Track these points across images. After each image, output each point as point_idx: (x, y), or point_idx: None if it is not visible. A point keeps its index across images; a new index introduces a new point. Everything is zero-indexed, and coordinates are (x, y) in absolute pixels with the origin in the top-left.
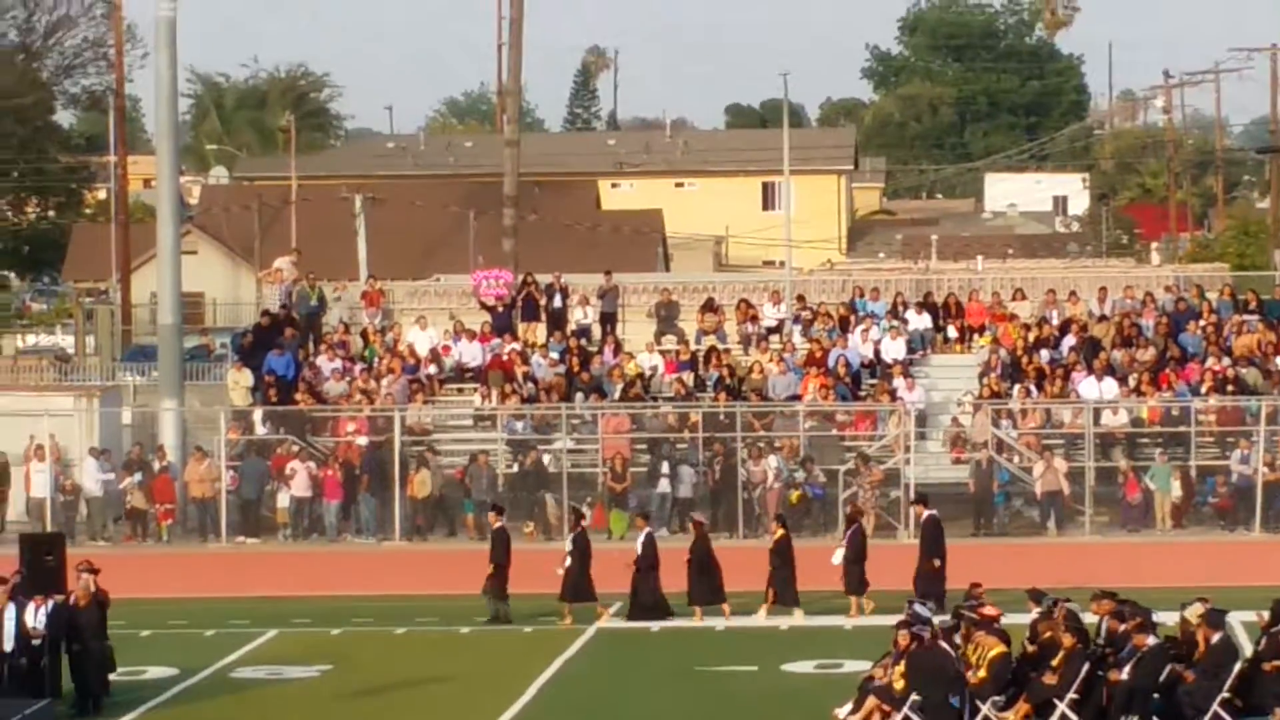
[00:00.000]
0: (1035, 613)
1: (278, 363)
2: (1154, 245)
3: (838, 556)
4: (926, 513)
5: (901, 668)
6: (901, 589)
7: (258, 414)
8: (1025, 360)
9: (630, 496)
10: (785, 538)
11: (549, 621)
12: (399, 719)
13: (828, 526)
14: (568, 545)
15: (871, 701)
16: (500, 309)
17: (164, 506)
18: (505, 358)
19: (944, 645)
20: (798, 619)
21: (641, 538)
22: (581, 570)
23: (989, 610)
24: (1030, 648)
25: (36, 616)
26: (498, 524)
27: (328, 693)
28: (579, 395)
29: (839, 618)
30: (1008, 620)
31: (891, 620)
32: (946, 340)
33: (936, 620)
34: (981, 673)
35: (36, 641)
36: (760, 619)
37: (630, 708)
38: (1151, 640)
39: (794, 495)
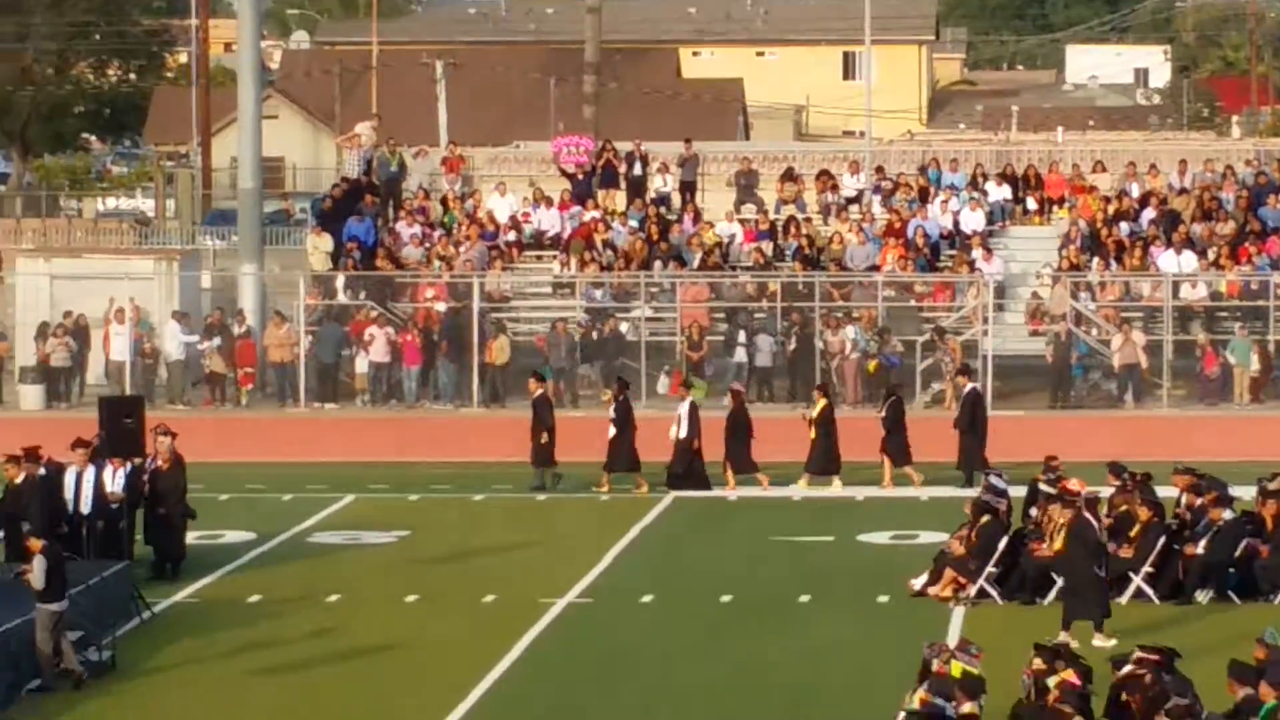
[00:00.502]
0: (1113, 486)
1: (358, 229)
2: (1235, 118)
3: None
4: (969, 385)
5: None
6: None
7: (340, 280)
8: (1104, 233)
9: (706, 365)
10: (828, 407)
11: (624, 489)
12: (476, 585)
13: (905, 397)
14: (610, 414)
15: (948, 573)
16: (580, 176)
17: (244, 370)
18: (585, 225)
19: (1088, 516)
20: (835, 488)
21: (685, 407)
22: (623, 439)
23: (1071, 484)
24: (1107, 521)
25: (115, 479)
26: (538, 391)
27: (405, 558)
28: (657, 263)
29: (909, 489)
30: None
31: (950, 492)
32: (1026, 212)
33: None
34: (1057, 544)
35: (115, 505)
36: (800, 489)
37: (708, 576)
38: (1228, 514)
39: (871, 365)
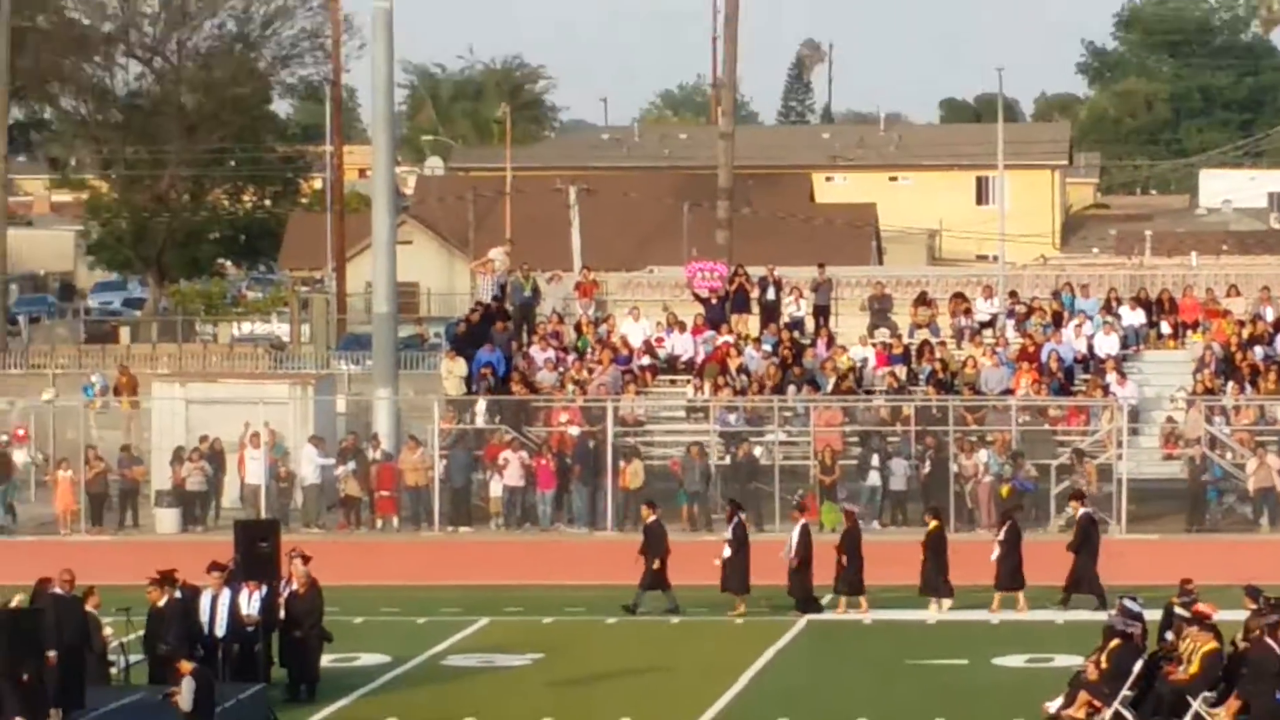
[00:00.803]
0: (1250, 610)
1: (489, 357)
2: None
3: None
4: (1082, 510)
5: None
6: (1109, 583)
7: (480, 404)
8: (1239, 356)
9: (839, 488)
10: (938, 529)
11: (761, 612)
12: (611, 708)
13: (1039, 521)
14: (727, 535)
15: (1083, 696)
16: (714, 301)
17: (382, 495)
18: (718, 349)
19: (1270, 642)
20: (944, 611)
21: (796, 530)
22: (739, 561)
23: (1203, 607)
24: (1243, 645)
25: (250, 602)
26: (650, 518)
27: (539, 681)
28: (791, 388)
29: (1045, 611)
30: (1221, 617)
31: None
32: (1160, 336)
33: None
34: (1193, 668)
35: (250, 628)
36: (931, 614)
37: (842, 699)
38: None
39: (1005, 489)
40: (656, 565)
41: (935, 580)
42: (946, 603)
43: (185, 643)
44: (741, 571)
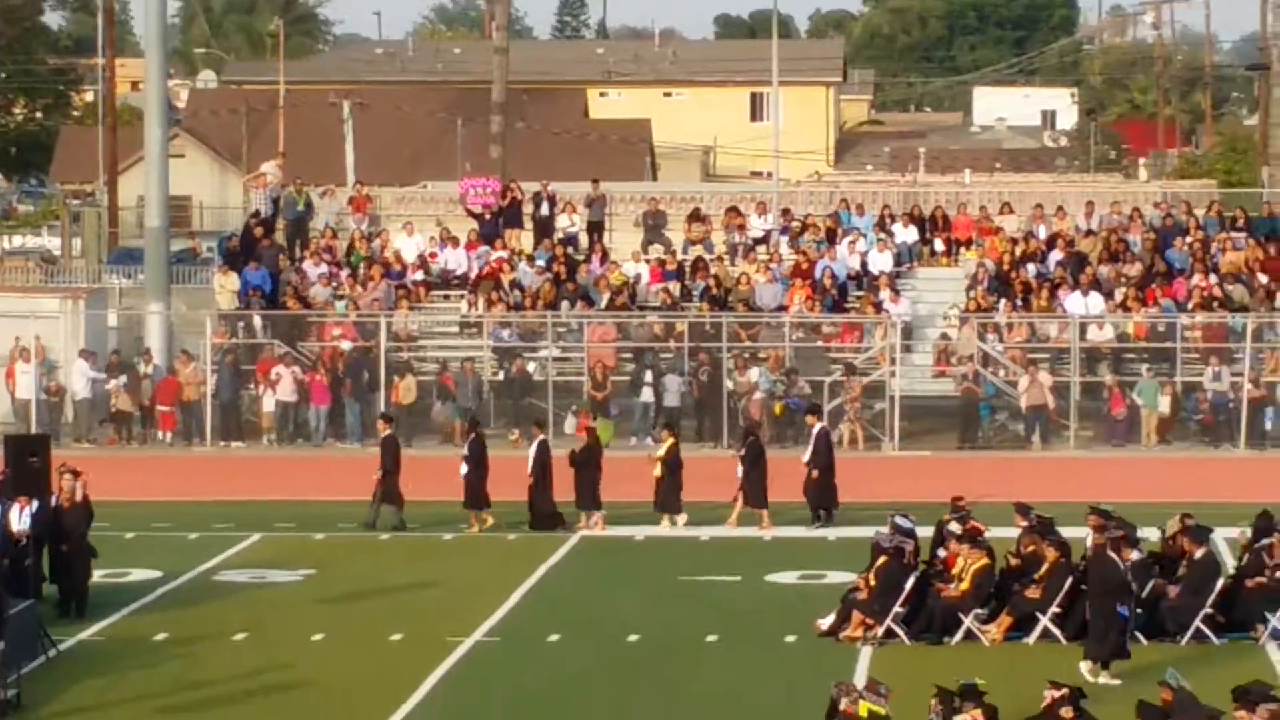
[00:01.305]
0: (1020, 526)
1: (255, 277)
2: (1142, 161)
3: (739, 471)
4: (818, 425)
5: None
6: (874, 501)
7: (256, 319)
8: (1012, 274)
9: (612, 404)
10: (674, 446)
11: (525, 530)
12: (383, 624)
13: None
14: (463, 452)
15: (856, 615)
16: (487, 217)
17: (165, 409)
18: (492, 265)
19: (1112, 556)
20: (679, 528)
21: (534, 446)
22: (478, 478)
23: (975, 524)
24: (1014, 561)
25: (21, 518)
26: (386, 431)
27: (311, 597)
28: (565, 304)
29: (803, 528)
30: (992, 534)
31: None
32: (933, 253)
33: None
34: (964, 585)
35: (20, 542)
36: (664, 527)
37: (615, 616)
38: (1135, 555)
39: (778, 407)
40: (380, 477)
41: (670, 498)
42: (681, 519)
43: None
44: (477, 488)
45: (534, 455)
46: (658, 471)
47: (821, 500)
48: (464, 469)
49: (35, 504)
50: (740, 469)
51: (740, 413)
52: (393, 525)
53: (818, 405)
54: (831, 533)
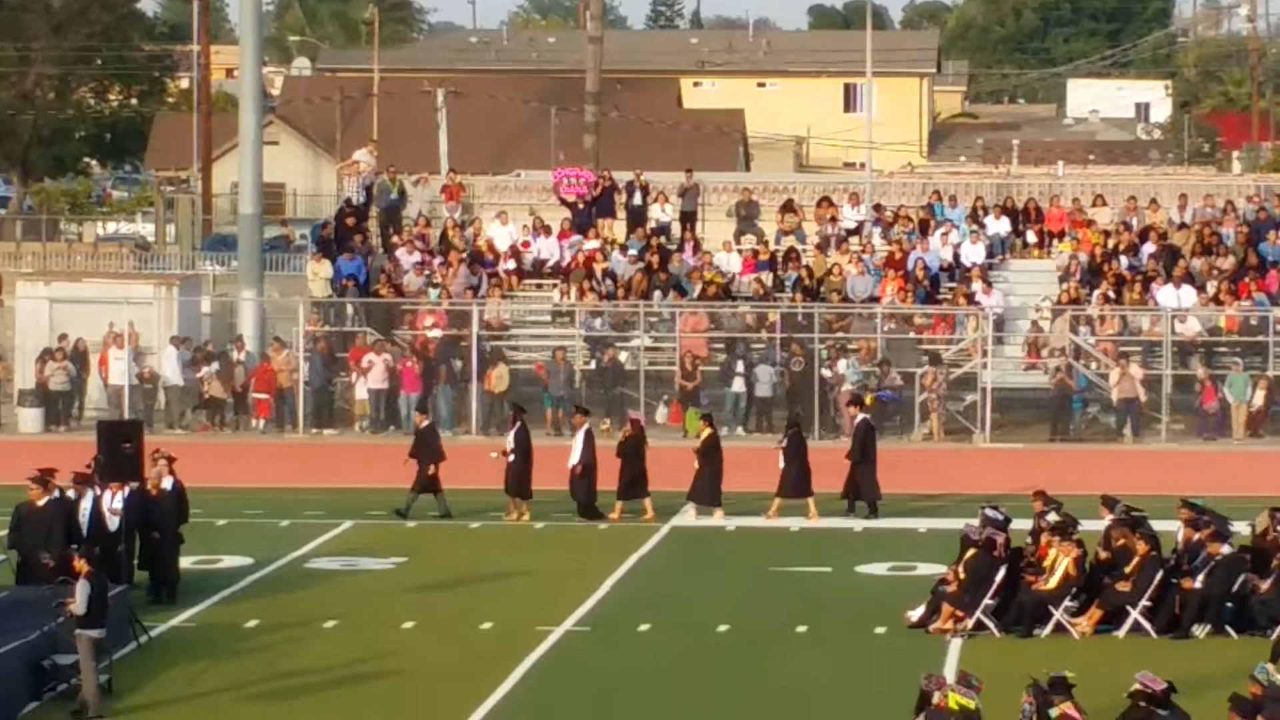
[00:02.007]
0: (1109, 519)
1: (350, 267)
2: (1235, 154)
3: (781, 462)
4: (860, 415)
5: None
6: (965, 493)
7: (348, 308)
8: (1105, 267)
9: (702, 394)
10: (713, 437)
11: (626, 519)
12: (473, 613)
13: (904, 428)
14: (509, 442)
15: (946, 607)
16: (580, 206)
17: (261, 396)
18: (585, 254)
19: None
20: (717, 519)
21: (581, 435)
22: (524, 466)
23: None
24: (1104, 554)
25: (112, 502)
26: (424, 423)
27: (402, 585)
28: (657, 293)
29: (907, 519)
30: (1083, 527)
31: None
32: (1026, 245)
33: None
34: (1055, 578)
35: (112, 528)
36: (690, 518)
37: (705, 606)
38: (1226, 549)
39: (868, 398)
40: (432, 470)
41: (710, 489)
42: (719, 512)
43: (69, 544)
44: (521, 476)
45: (581, 444)
46: (698, 463)
47: (858, 491)
48: (511, 457)
49: (127, 490)
50: (781, 460)
51: (832, 403)
52: (439, 515)
53: (859, 396)
54: (922, 524)
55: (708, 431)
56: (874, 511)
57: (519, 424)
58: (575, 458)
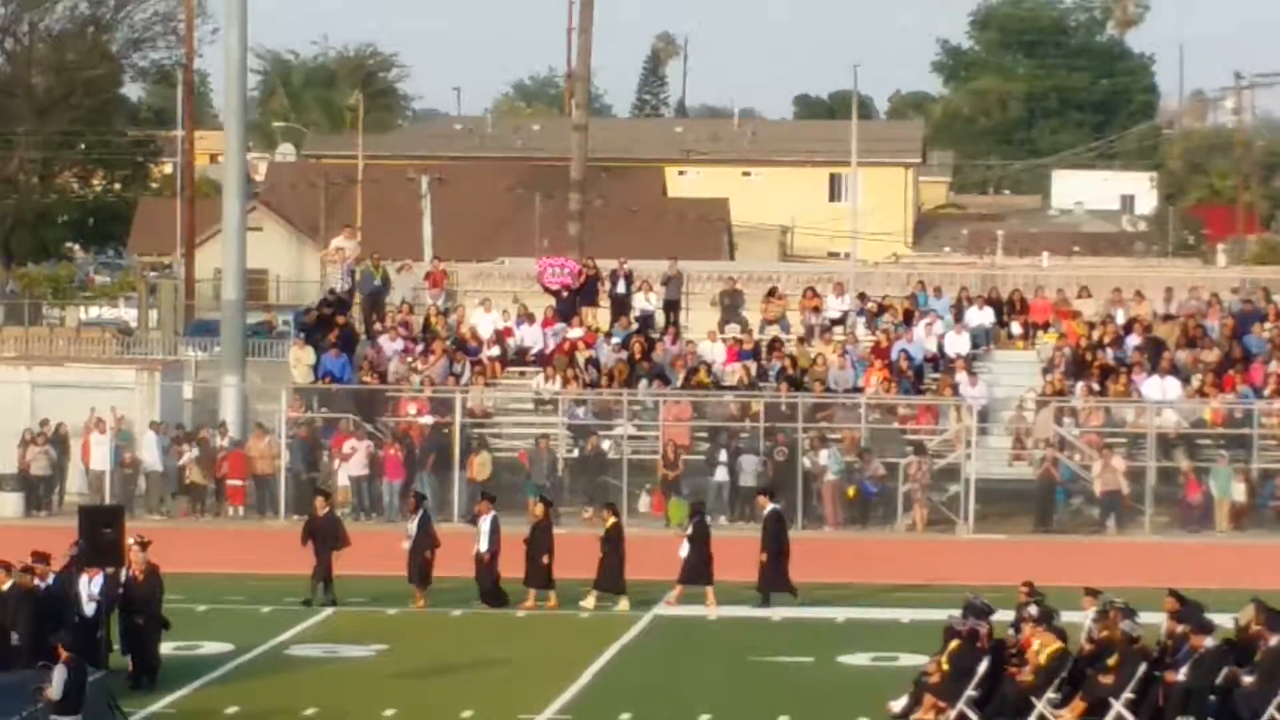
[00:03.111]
0: (1092, 611)
1: (333, 364)
2: (1220, 246)
3: (684, 549)
4: (770, 506)
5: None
6: (948, 583)
7: (320, 393)
8: (1089, 358)
9: (683, 483)
10: (616, 525)
11: (604, 607)
12: (455, 701)
13: (886, 519)
14: (481, 537)
15: (929, 698)
16: (564, 294)
17: (235, 483)
18: (568, 342)
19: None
20: (623, 606)
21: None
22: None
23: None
24: (1087, 646)
25: (90, 587)
26: (325, 510)
27: (383, 672)
28: (641, 382)
29: (886, 609)
30: (1066, 619)
31: (931, 614)
32: (1010, 336)
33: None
34: (1037, 671)
35: (90, 613)
36: (589, 604)
37: (686, 695)
38: (1209, 642)
39: (850, 491)
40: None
41: (616, 578)
42: (624, 600)
43: (47, 630)
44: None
45: (488, 530)
46: (602, 550)
47: (772, 582)
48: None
49: (104, 574)
50: (684, 547)
51: (815, 493)
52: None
53: (768, 488)
54: (905, 614)
55: (612, 520)
56: (766, 602)
57: (421, 511)
58: (483, 545)
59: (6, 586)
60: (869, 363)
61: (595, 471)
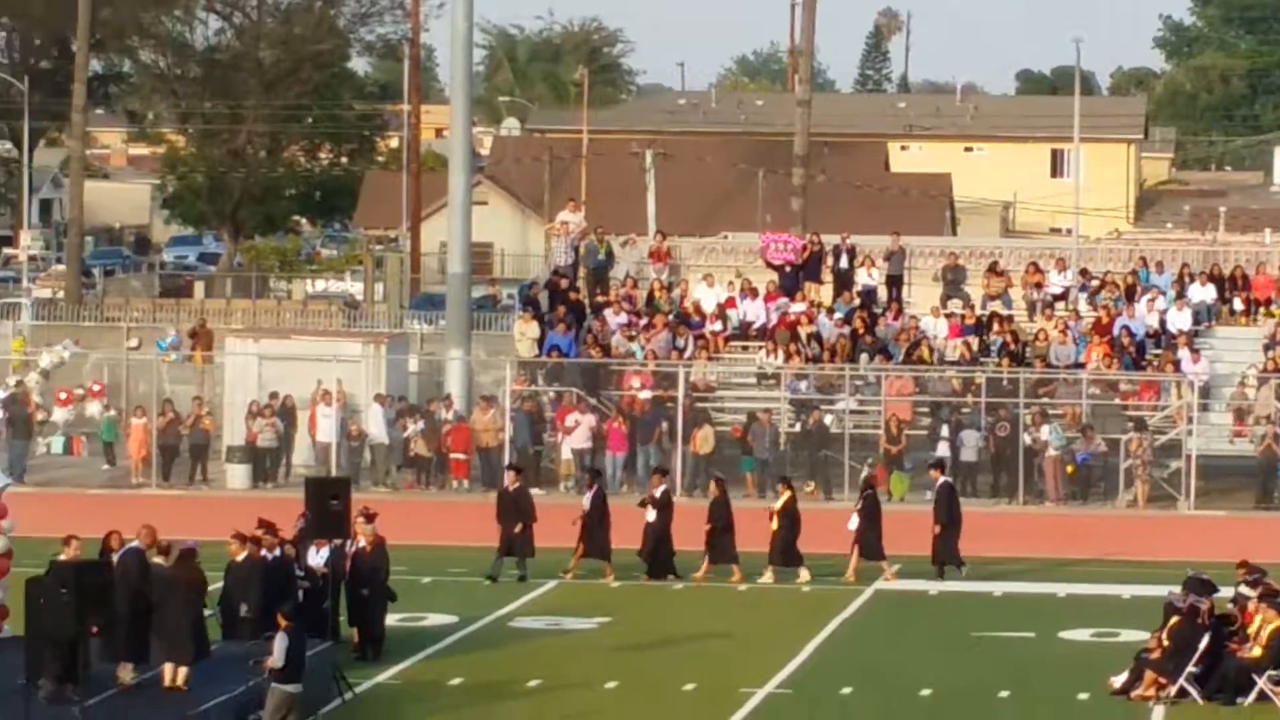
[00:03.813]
0: None
1: (560, 340)
2: None
3: (853, 522)
4: (941, 479)
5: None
6: (1168, 560)
7: (544, 367)
8: None
9: (906, 458)
10: (791, 499)
11: (828, 580)
12: (676, 673)
13: (1108, 494)
14: (649, 514)
15: (1149, 674)
16: (787, 269)
17: (459, 456)
18: (791, 317)
19: None
20: (804, 577)
21: (590, 494)
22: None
23: (1270, 584)
24: None
25: (317, 559)
26: (516, 485)
27: (605, 645)
28: (864, 356)
29: (1107, 585)
30: None
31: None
32: (1232, 313)
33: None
34: (1260, 646)
35: (319, 583)
36: (767, 579)
37: (908, 670)
38: None
39: (1069, 468)
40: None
41: (789, 551)
42: (804, 572)
43: (272, 600)
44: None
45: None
46: (775, 524)
47: (942, 555)
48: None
49: (331, 545)
50: (855, 521)
51: (1037, 469)
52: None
53: (942, 460)
54: (1125, 590)
55: (786, 494)
56: (941, 574)
57: (596, 488)
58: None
59: (240, 558)
60: (1090, 339)
61: (817, 446)
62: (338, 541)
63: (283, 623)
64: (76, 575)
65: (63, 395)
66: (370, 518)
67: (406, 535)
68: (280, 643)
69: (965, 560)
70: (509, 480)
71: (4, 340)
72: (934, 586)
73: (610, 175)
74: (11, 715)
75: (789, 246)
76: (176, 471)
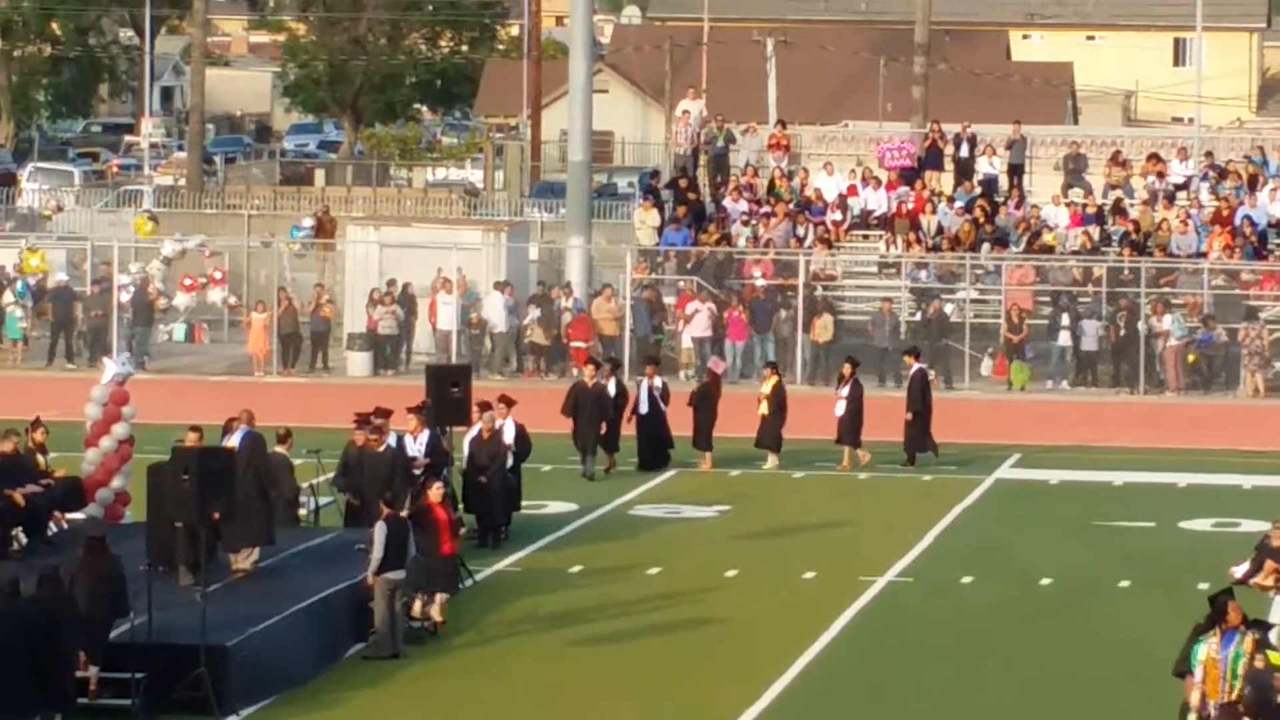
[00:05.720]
0: None
1: (675, 238)
2: None
3: (839, 408)
4: (915, 366)
5: None
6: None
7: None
8: None
9: (1028, 348)
10: (779, 385)
11: (949, 471)
12: (796, 562)
13: (1229, 384)
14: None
15: (1270, 564)
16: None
17: (580, 345)
18: (911, 206)
19: None
20: (772, 463)
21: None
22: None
23: None
24: None
25: (415, 446)
26: (596, 379)
27: (725, 533)
28: (985, 245)
29: (1231, 475)
30: None
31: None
32: None
33: None
34: None
35: (418, 471)
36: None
37: (1028, 559)
38: None
39: (1191, 357)
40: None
41: (773, 436)
42: (772, 459)
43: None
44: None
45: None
46: (764, 409)
47: (915, 443)
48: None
49: (427, 432)
50: (841, 407)
51: (1158, 358)
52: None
53: (915, 348)
54: (1246, 480)
55: (774, 379)
56: (912, 461)
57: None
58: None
59: (382, 448)
60: (1212, 229)
61: (937, 335)
62: (441, 429)
63: (384, 510)
64: (199, 460)
65: (187, 281)
66: (487, 406)
67: (527, 423)
68: (379, 531)
69: (937, 445)
70: (589, 374)
71: (125, 228)
72: (1054, 476)
73: (731, 63)
74: (134, 600)
75: (904, 153)
76: (297, 360)
